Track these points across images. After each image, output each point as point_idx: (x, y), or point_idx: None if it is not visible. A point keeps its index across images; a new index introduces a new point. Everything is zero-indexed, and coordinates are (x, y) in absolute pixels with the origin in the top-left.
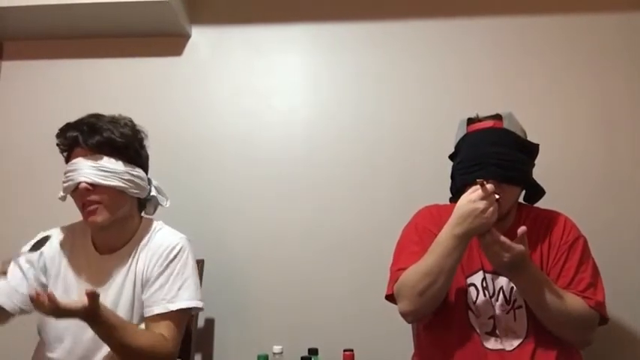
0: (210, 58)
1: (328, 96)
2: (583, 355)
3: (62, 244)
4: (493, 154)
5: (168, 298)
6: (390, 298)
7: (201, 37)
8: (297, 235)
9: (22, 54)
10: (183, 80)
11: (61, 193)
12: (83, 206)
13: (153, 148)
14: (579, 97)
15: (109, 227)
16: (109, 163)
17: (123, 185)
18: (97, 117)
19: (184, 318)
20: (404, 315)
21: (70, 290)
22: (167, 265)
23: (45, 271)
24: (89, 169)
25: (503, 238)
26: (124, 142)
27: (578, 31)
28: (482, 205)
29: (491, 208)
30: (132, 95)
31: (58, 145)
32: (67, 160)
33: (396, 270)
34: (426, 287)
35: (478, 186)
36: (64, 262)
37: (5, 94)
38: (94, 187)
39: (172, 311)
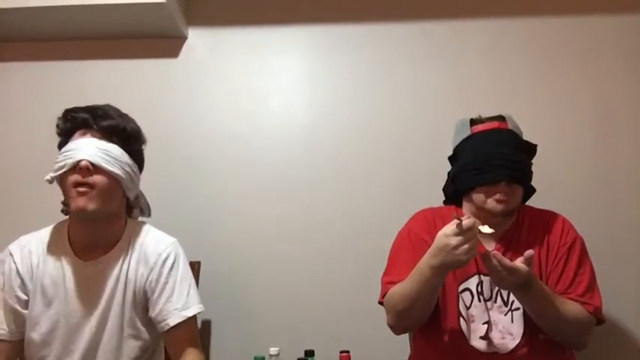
0: (206, 59)
1: (325, 97)
2: (579, 356)
3: (35, 256)
4: (502, 155)
5: (180, 307)
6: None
7: (198, 39)
8: (294, 237)
9: (18, 56)
10: (180, 82)
11: (51, 175)
12: (75, 186)
13: (150, 149)
14: (574, 99)
15: (95, 222)
16: (115, 149)
17: (122, 176)
18: (108, 105)
19: (196, 322)
20: (390, 327)
21: (55, 303)
22: (168, 275)
23: (24, 289)
24: (94, 150)
25: (509, 263)
26: (132, 134)
27: (573, 33)
28: (454, 241)
29: (465, 246)
30: (128, 97)
31: (58, 126)
32: (64, 143)
33: (386, 283)
34: (406, 309)
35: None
36: (42, 274)
37: (2, 95)
38: (94, 170)
39: (188, 318)
